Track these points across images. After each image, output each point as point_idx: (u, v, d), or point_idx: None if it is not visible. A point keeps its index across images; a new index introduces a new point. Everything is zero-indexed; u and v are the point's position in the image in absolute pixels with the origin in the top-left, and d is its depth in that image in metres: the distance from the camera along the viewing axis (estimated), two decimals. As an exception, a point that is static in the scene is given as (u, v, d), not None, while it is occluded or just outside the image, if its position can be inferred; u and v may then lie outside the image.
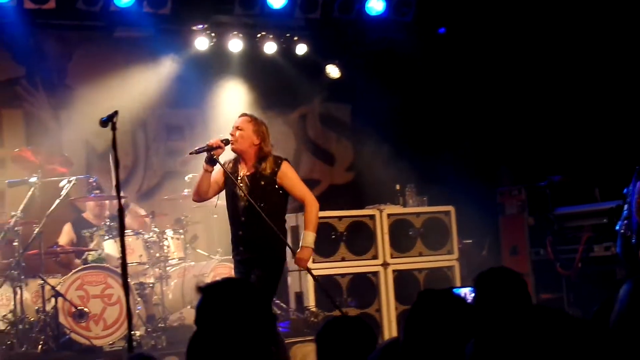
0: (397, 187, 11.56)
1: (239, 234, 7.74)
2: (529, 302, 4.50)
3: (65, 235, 10.48)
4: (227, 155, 7.87)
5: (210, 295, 3.88)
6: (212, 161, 7.68)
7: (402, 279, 11.02)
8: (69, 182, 9.66)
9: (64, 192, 9.78)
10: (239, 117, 7.87)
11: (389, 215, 11.06)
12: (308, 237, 7.82)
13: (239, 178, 7.72)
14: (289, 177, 7.85)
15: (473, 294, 4.88)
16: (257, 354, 3.69)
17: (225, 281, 3.97)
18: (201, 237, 11.31)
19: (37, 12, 10.59)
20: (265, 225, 7.53)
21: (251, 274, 7.56)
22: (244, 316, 3.74)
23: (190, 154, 7.93)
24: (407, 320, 3.95)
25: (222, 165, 7.72)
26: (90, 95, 11.48)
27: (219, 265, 10.17)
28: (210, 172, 7.75)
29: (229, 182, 7.76)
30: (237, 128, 7.75)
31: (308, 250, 7.84)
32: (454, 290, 4.92)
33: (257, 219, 7.57)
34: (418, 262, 11.15)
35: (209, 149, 7.63)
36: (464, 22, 12.34)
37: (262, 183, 7.70)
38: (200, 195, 7.93)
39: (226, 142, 7.67)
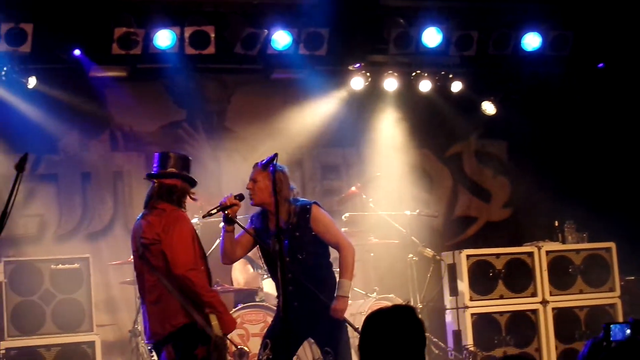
0: (556, 223, 11.41)
1: (288, 289, 7.05)
2: None
3: (241, 272, 10.65)
4: (253, 210, 7.60)
5: (377, 322, 3.96)
6: (229, 220, 7.20)
7: (563, 317, 10.87)
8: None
9: (224, 233, 9.97)
10: (252, 168, 7.41)
11: (547, 252, 10.94)
12: (344, 286, 7.37)
13: (271, 232, 7.24)
14: (321, 221, 7.43)
15: (629, 330, 4.81)
16: None
17: (393, 308, 4.05)
18: (357, 276, 11.31)
19: (198, 57, 10.88)
20: (311, 275, 7.27)
21: (322, 341, 7.40)
22: (407, 345, 3.80)
23: (204, 217, 7.42)
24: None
25: (240, 224, 7.25)
26: (249, 136, 11.75)
27: (376, 304, 10.17)
28: (231, 231, 7.27)
29: (260, 239, 7.30)
30: (252, 180, 7.33)
31: (344, 300, 7.37)
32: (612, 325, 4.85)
33: (302, 272, 7.24)
34: (578, 299, 10.99)
35: (223, 208, 7.11)
36: (623, 56, 12.11)
37: (297, 234, 7.33)
38: (228, 257, 7.49)
39: (240, 197, 7.15)
